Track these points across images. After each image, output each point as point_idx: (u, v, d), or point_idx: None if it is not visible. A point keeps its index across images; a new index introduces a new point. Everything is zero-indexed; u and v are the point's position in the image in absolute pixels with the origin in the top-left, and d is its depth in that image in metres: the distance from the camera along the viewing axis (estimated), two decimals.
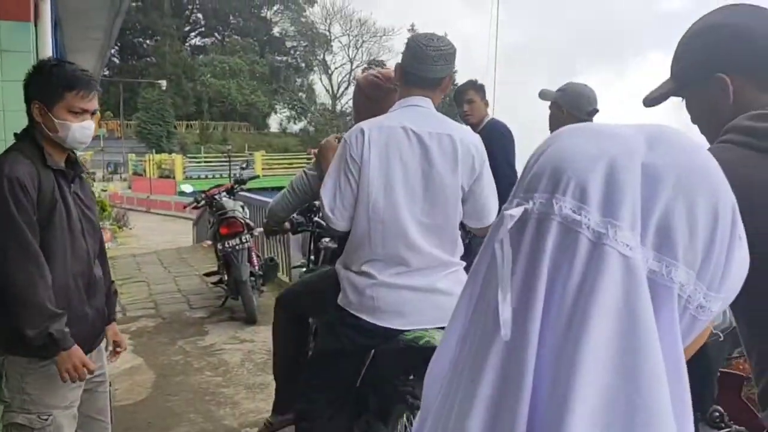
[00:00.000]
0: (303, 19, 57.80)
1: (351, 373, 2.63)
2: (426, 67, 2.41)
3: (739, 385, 2.27)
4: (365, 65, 58.29)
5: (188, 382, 4.72)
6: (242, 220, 6.13)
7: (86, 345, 2.30)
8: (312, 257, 3.85)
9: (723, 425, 2.07)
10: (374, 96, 2.78)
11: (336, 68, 59.22)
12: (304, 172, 2.95)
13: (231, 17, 56.21)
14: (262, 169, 32.77)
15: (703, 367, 2.07)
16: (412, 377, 2.49)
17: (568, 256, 0.54)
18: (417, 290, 2.40)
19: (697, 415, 2.08)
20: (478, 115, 4.44)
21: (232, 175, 25.72)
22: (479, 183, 2.47)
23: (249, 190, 8.22)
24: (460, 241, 2.53)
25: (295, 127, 55.54)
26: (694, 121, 1.37)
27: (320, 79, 59.23)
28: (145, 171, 33.90)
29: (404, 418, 2.55)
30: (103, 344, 2.52)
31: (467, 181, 2.44)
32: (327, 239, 3.57)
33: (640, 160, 0.56)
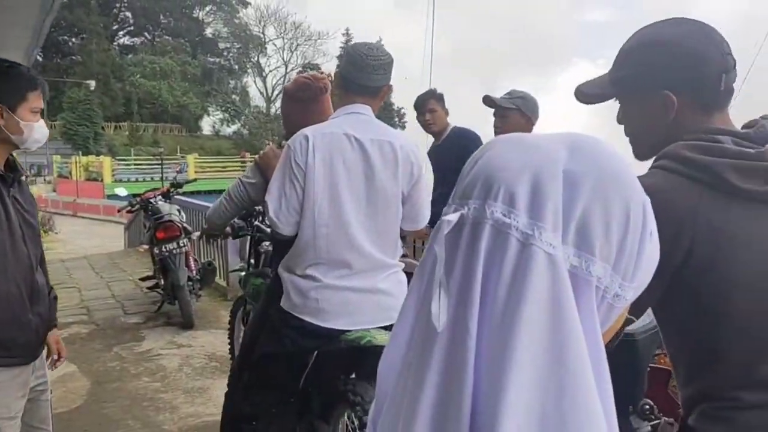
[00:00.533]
0: (236, 21, 57.09)
1: (295, 375, 2.68)
2: (367, 76, 2.48)
3: (666, 379, 2.40)
4: (300, 68, 58.03)
5: (125, 388, 4.65)
6: (179, 224, 6.06)
7: (30, 353, 2.26)
8: (252, 261, 3.93)
9: (653, 417, 2.20)
10: (304, 97, 2.84)
11: (270, 71, 58.77)
12: (240, 180, 2.94)
13: (161, 17, 54.99)
14: (195, 172, 32.18)
15: (633, 364, 2.18)
16: (353, 376, 2.55)
17: (500, 256, 0.61)
18: (359, 291, 2.48)
19: (629, 408, 2.20)
20: (440, 124, 4.52)
21: (164, 178, 25.25)
22: (417, 188, 2.58)
23: (183, 194, 8.10)
24: (399, 242, 2.62)
25: (229, 129, 54.77)
26: (626, 125, 1.38)
27: (254, 81, 58.66)
28: (71, 173, 32.77)
29: (345, 417, 2.62)
30: (45, 352, 2.47)
31: (406, 187, 2.54)
32: (267, 243, 3.62)
33: (561, 168, 0.63)
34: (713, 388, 1.23)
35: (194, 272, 6.29)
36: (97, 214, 24.44)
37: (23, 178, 2.39)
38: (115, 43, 52.60)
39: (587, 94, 1.38)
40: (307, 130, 2.47)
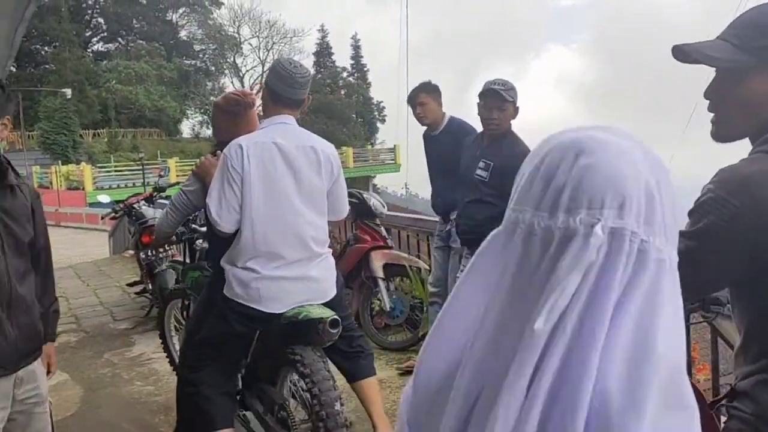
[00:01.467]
0: (210, 22, 56.64)
1: (240, 352, 3.11)
2: (294, 90, 2.87)
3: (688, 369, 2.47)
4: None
5: (118, 393, 4.68)
6: None
7: (7, 365, 2.23)
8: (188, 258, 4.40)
9: None
10: (235, 110, 3.22)
11: (247, 71, 58.47)
12: (182, 190, 3.26)
13: (134, 21, 54.39)
14: (177, 175, 32.02)
15: None
16: (295, 346, 2.89)
17: (637, 268, 0.66)
18: (293, 279, 2.88)
19: None
20: (432, 116, 4.53)
21: (146, 183, 25.07)
22: (337, 184, 3.05)
23: (166, 198, 8.10)
24: (327, 232, 3.05)
25: (208, 131, 54.36)
26: (726, 100, 1.32)
27: (232, 82, 58.27)
28: (51, 183, 32.49)
29: (290, 376, 3.08)
30: (37, 364, 2.42)
31: (328, 184, 2.99)
32: (200, 241, 4.12)
33: (650, 174, 0.68)
34: None
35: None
36: (80, 222, 24.28)
37: (16, 185, 2.36)
38: (89, 50, 52.00)
39: (707, 56, 1.28)
40: (241, 140, 2.85)
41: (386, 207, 5.52)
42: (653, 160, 0.69)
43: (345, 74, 59.47)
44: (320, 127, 50.22)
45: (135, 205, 6.50)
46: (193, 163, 36.37)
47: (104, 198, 8.08)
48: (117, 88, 44.85)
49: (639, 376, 0.63)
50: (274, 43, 58.37)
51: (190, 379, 3.08)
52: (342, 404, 2.86)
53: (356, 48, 60.80)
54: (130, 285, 7.00)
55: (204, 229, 3.81)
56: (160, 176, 7.31)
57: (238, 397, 3.24)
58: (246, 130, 3.05)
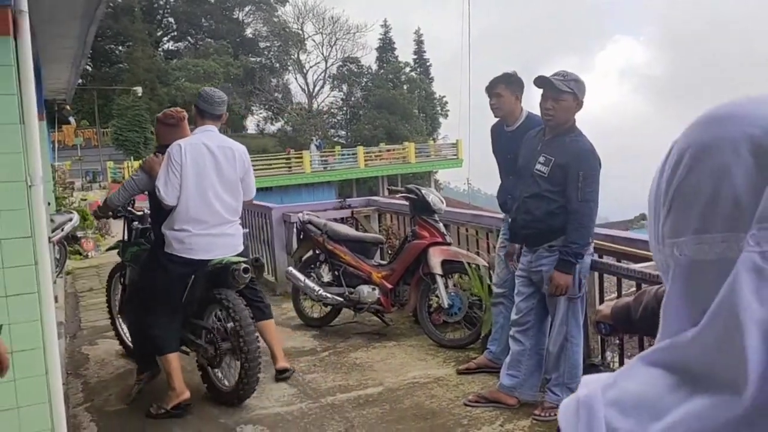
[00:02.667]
0: (275, 19, 57.43)
1: (179, 293, 4.20)
2: (214, 108, 4.30)
3: None
4: (340, 62, 58.15)
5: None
6: None
7: None
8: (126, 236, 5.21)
9: None
10: (170, 123, 4.42)
11: (311, 67, 58.97)
12: (132, 177, 4.43)
13: (203, 20, 55.70)
14: None
15: None
16: (219, 289, 4.17)
17: None
18: (215, 236, 4.19)
19: None
20: (506, 109, 4.38)
21: None
22: (248, 174, 4.43)
23: None
24: (240, 206, 4.37)
25: (273, 127, 55.24)
26: None
27: (295, 78, 58.94)
28: (124, 178, 33.65)
29: (215, 312, 4.29)
30: None
31: (240, 173, 4.33)
32: (136, 222, 5.07)
33: None
34: None
35: None
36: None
37: None
38: (160, 49, 53.60)
39: None
40: (181, 141, 4.17)
41: (445, 203, 5.46)
42: None
43: (407, 69, 59.37)
44: (382, 122, 50.31)
45: None
46: (258, 158, 37.06)
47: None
48: (186, 85, 45.99)
49: None
50: (337, 39, 58.74)
51: (143, 322, 4.30)
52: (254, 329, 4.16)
53: (419, 43, 60.62)
54: None
55: (140, 213, 5.08)
56: None
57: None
58: (180, 136, 4.28)
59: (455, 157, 46.02)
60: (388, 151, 43.31)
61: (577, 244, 3.61)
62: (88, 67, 50.55)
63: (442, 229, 5.33)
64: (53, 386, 3.19)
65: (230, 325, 4.12)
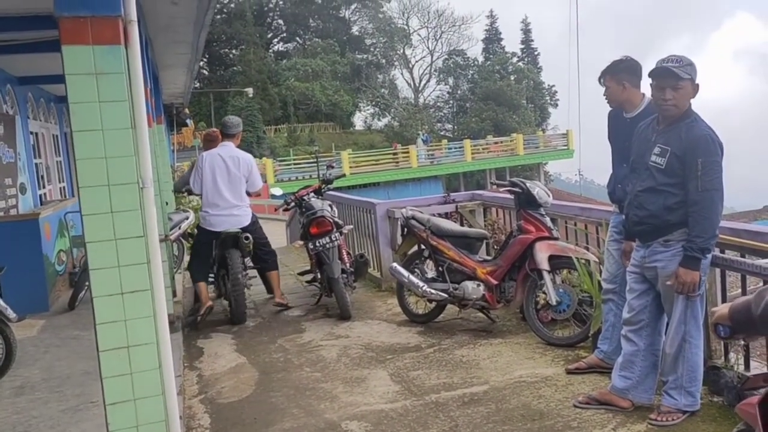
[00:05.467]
0: (380, 16, 57.95)
1: (208, 251, 6.57)
2: (230, 130, 6.65)
3: None
4: (446, 56, 57.83)
5: (289, 378, 4.88)
6: (331, 219, 6.26)
7: None
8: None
9: None
10: (211, 138, 7.21)
11: (416, 61, 59.12)
12: (186, 173, 7.41)
13: (310, 20, 57.06)
14: (350, 167, 33.16)
15: None
16: (229, 250, 6.42)
17: None
18: (225, 216, 6.38)
19: None
20: (615, 99, 4.11)
21: (320, 176, 26.24)
22: (252, 174, 6.55)
23: (337, 189, 8.42)
24: (245, 196, 6.52)
25: (380, 123, 55.82)
26: None
27: (401, 73, 59.27)
28: None
29: (227, 263, 6.40)
30: None
31: (246, 174, 6.48)
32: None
33: None
34: None
35: (348, 265, 6.46)
36: (263, 213, 25.90)
37: None
38: (270, 51, 55.41)
39: None
40: (204, 153, 6.55)
41: (551, 196, 5.26)
42: None
43: (515, 59, 58.24)
44: (489, 114, 49.66)
45: (305, 197, 6.77)
46: (365, 154, 37.63)
47: (277, 191, 8.54)
48: (295, 85, 47.32)
49: None
50: (442, 32, 58.57)
51: (190, 266, 6.95)
52: (246, 277, 6.67)
53: (526, 32, 59.36)
54: (301, 274, 7.30)
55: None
56: (328, 168, 7.55)
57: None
58: (215, 146, 6.71)
59: (565, 147, 44.77)
60: (496, 143, 42.73)
61: (702, 237, 3.35)
62: (204, 71, 53.05)
63: (549, 223, 5.14)
64: (167, 379, 3.32)
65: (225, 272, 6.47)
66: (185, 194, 7.76)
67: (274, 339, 5.86)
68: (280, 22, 57.55)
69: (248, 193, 6.59)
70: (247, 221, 6.48)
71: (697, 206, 3.33)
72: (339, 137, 47.56)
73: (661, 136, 3.46)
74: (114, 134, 3.18)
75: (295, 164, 35.92)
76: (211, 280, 6.82)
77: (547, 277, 4.94)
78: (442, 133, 53.72)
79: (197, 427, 4.18)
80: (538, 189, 5.16)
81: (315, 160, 31.07)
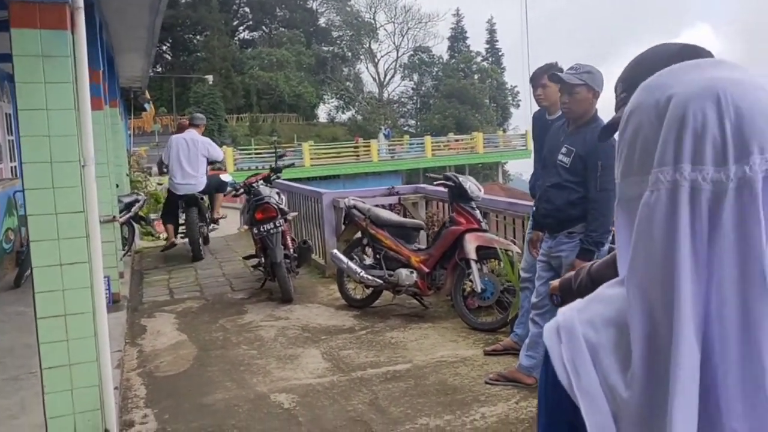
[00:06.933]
0: (348, 9, 58.00)
1: (175, 207, 9.11)
2: (195, 121, 9.28)
3: None
4: (411, 52, 58.19)
5: (226, 355, 5.11)
6: (276, 206, 6.48)
7: None
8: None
9: None
10: (182, 125, 9.48)
11: (382, 56, 59.35)
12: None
13: (277, 10, 56.79)
14: (311, 159, 33.24)
15: None
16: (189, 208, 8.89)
17: None
18: (185, 184, 8.77)
19: None
20: (551, 99, 4.40)
21: (291, 163, 26.25)
22: (209, 150, 8.98)
23: (298, 180, 8.65)
24: (201, 169, 8.86)
25: (344, 116, 55.95)
26: None
27: (367, 67, 59.48)
28: None
29: (192, 215, 8.87)
30: None
31: (204, 152, 8.90)
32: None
33: None
34: None
35: (291, 251, 6.69)
36: (222, 201, 25.89)
37: None
38: (235, 38, 54.99)
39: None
40: (173, 137, 9.17)
41: (482, 190, 5.58)
42: None
43: (479, 59, 58.90)
44: (452, 112, 50.12)
45: (254, 184, 6.98)
46: (328, 146, 37.71)
47: (226, 177, 8.77)
48: (259, 74, 47.10)
49: None
50: (409, 28, 58.89)
51: (163, 215, 9.50)
52: (204, 228, 9.32)
53: (491, 32, 60.04)
54: (246, 258, 7.52)
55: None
56: (278, 158, 7.77)
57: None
58: (181, 132, 9.06)
59: (524, 147, 45.40)
60: (456, 141, 43.16)
61: (597, 232, 3.70)
62: (167, 55, 52.39)
63: (479, 216, 5.46)
64: (101, 347, 3.53)
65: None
66: (165, 171, 9.41)
67: (216, 319, 6.07)
68: (247, 9, 57.15)
69: (212, 163, 9.25)
70: (201, 187, 8.87)
71: (595, 204, 3.67)
72: (302, 128, 47.52)
73: (569, 138, 3.80)
74: (58, 114, 3.38)
75: (256, 153, 35.85)
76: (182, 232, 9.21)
77: (474, 266, 5.26)
78: (405, 128, 54.07)
79: (133, 397, 4.39)
80: (469, 183, 5.47)
81: (274, 150, 31.04)
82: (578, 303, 0.82)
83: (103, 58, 7.00)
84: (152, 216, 12.54)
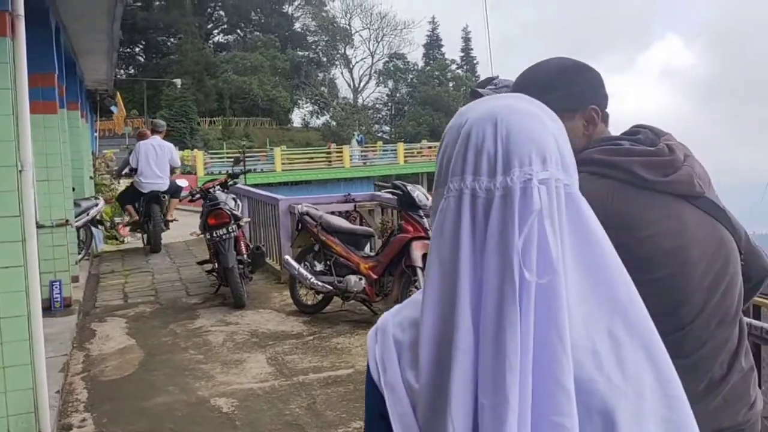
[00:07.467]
0: (324, 14, 58.08)
1: (136, 196, 10.00)
2: (158, 128, 10.63)
3: None
4: (386, 58, 58.39)
5: (172, 359, 5.15)
6: (228, 211, 6.52)
7: None
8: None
9: None
10: (144, 133, 10.71)
11: (357, 62, 59.47)
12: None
13: (252, 14, 56.73)
14: (282, 164, 33.19)
15: None
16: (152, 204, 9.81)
17: (560, 206, 0.81)
18: (151, 183, 9.76)
19: None
20: None
21: (248, 170, 26.32)
22: (172, 156, 10.14)
23: (269, 185, 8.68)
24: (166, 172, 9.94)
25: (318, 121, 55.96)
26: None
27: (341, 73, 59.54)
28: None
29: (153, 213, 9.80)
30: None
31: (168, 157, 10.02)
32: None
33: (558, 131, 0.86)
34: None
35: (245, 256, 6.73)
36: (189, 205, 25.75)
37: None
38: (210, 42, 54.77)
39: None
40: (140, 143, 10.13)
41: (430, 199, 5.68)
42: (553, 118, 0.87)
43: (454, 66, 59.32)
44: (426, 119, 50.41)
45: (210, 190, 7.01)
46: (300, 151, 37.67)
47: (182, 182, 8.82)
48: (233, 78, 46.99)
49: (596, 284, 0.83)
50: (384, 35, 59.08)
51: (120, 200, 10.60)
52: (164, 222, 9.99)
53: (467, 40, 60.53)
54: (200, 263, 7.54)
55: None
56: (235, 163, 7.82)
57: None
58: (145, 139, 10.18)
59: None
60: (429, 148, 43.35)
61: None
62: (140, 57, 51.99)
63: (426, 224, 5.56)
64: (36, 351, 3.56)
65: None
66: (126, 175, 10.54)
67: (166, 324, 6.10)
68: (222, 13, 56.99)
69: (173, 170, 10.41)
70: (165, 188, 9.90)
71: None
72: (275, 133, 47.43)
73: None
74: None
75: (227, 157, 35.68)
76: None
77: (420, 273, 5.35)
78: (379, 135, 54.23)
79: (74, 401, 4.42)
80: (417, 192, 5.58)
81: (242, 154, 30.95)
82: (396, 307, 0.96)
83: (60, 61, 6.99)
84: (117, 219, 12.49)
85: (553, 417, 0.76)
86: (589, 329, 0.80)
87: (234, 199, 7.08)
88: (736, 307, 1.45)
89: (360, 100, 58.32)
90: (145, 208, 9.76)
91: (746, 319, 2.62)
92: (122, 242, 11.80)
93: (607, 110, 1.55)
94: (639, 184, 1.38)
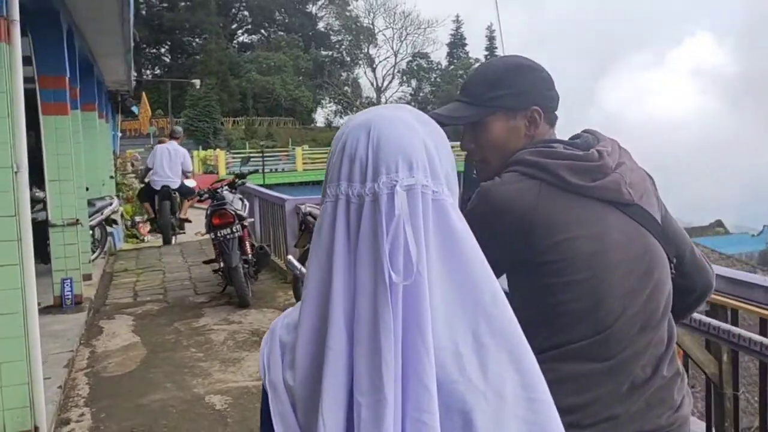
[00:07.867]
0: (347, 14, 58.29)
1: (151, 193, 11.11)
2: (176, 134, 12.00)
3: None
4: (409, 57, 58.47)
5: (173, 357, 5.24)
6: (233, 211, 6.60)
7: None
8: None
9: None
10: (164, 137, 13.35)
11: (380, 61, 59.59)
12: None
13: (276, 14, 57.10)
14: (303, 163, 33.37)
15: None
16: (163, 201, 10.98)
17: (427, 213, 0.84)
18: (163, 181, 10.89)
19: None
20: None
21: (267, 170, 26.57)
22: (184, 160, 11.33)
23: (290, 185, 8.78)
24: (178, 173, 11.05)
25: (341, 121, 56.12)
26: (482, 147, 1.56)
27: (365, 72, 59.74)
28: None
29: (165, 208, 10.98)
30: None
31: (181, 160, 11.18)
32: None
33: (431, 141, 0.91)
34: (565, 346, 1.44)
35: (250, 255, 6.81)
36: (204, 204, 26.01)
37: None
38: (234, 42, 55.26)
39: (452, 117, 1.55)
40: (158, 146, 11.73)
41: None
42: (431, 128, 0.91)
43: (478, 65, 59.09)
44: None
45: (218, 190, 7.10)
46: (323, 151, 37.83)
47: (190, 183, 8.94)
48: (256, 78, 47.32)
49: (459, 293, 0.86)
50: (407, 34, 59.12)
51: (139, 197, 12.05)
52: (174, 216, 11.13)
53: (491, 39, 60.25)
54: (206, 263, 7.64)
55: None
56: (243, 163, 7.92)
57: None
58: (164, 143, 11.65)
59: None
60: (452, 147, 43.27)
61: None
62: (165, 58, 52.64)
63: None
64: (31, 347, 3.66)
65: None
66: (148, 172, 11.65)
67: (171, 322, 6.20)
68: (246, 13, 57.48)
69: (186, 174, 11.25)
70: (176, 186, 10.94)
71: None
72: (298, 132, 47.67)
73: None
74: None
75: (249, 157, 36.02)
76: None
77: None
78: None
79: (75, 396, 4.52)
80: None
81: (261, 153, 31.22)
82: (289, 309, 1.00)
83: (72, 63, 7.13)
84: (137, 218, 12.68)
85: (415, 414, 0.79)
86: (453, 331, 0.83)
87: (241, 199, 7.17)
88: (661, 313, 1.46)
89: (383, 100, 58.37)
90: (158, 205, 10.91)
91: (747, 334, 2.62)
92: (142, 241, 11.99)
93: (556, 113, 1.57)
94: (564, 187, 1.40)
